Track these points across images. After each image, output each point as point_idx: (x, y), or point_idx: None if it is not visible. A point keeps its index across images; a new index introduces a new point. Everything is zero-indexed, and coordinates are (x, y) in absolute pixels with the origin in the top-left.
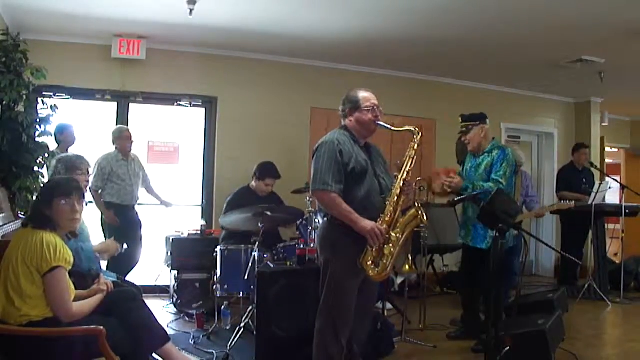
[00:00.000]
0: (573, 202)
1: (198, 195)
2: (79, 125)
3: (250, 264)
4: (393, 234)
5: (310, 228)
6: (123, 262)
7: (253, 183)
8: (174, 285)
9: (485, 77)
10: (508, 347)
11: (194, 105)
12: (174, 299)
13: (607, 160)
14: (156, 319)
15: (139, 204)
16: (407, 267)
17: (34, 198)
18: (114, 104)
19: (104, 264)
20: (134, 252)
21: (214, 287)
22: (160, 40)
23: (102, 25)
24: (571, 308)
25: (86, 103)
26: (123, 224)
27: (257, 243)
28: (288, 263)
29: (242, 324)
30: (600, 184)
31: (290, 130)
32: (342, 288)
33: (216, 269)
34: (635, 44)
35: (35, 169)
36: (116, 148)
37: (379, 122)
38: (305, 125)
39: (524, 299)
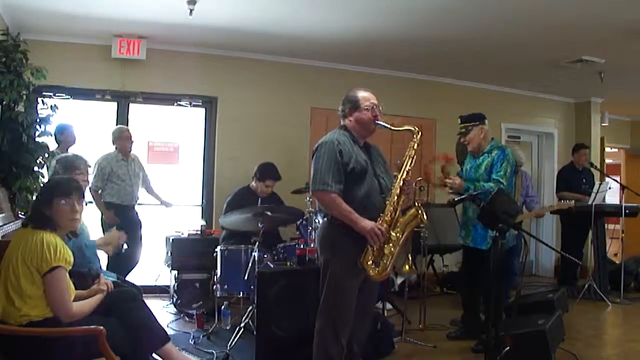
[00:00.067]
0: (573, 201)
1: (198, 195)
2: (79, 125)
3: (250, 264)
4: (393, 234)
5: (310, 228)
6: (123, 262)
7: (253, 183)
8: (174, 285)
9: (485, 77)
10: (508, 347)
11: (194, 105)
12: (174, 299)
13: (607, 161)
14: (156, 319)
15: (139, 204)
16: (407, 267)
17: (34, 198)
18: (114, 104)
19: (104, 264)
20: (134, 252)
21: (214, 287)
22: (160, 40)
23: (102, 25)
24: (571, 308)
25: (86, 103)
26: (123, 224)
27: (257, 243)
28: (288, 263)
29: (242, 324)
30: (600, 184)
31: (290, 130)
32: (342, 288)
33: (216, 269)
34: (635, 44)
35: (35, 169)
36: (116, 148)
37: (379, 122)
38: (305, 125)
39: (524, 299)
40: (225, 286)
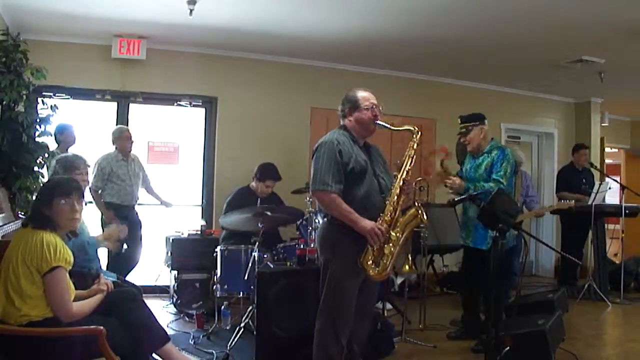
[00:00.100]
0: (573, 201)
1: (198, 195)
2: (79, 125)
3: (250, 264)
4: (393, 234)
5: (310, 228)
6: (123, 262)
7: (253, 183)
8: (174, 285)
9: (485, 77)
10: (508, 347)
11: (194, 105)
12: (174, 299)
13: (607, 161)
14: (156, 319)
15: (139, 204)
16: (407, 267)
17: (34, 198)
18: (114, 104)
19: (104, 264)
20: (134, 252)
21: (214, 287)
22: (160, 40)
23: (102, 25)
24: (571, 308)
25: (86, 103)
26: (123, 224)
27: (257, 243)
28: (288, 263)
29: (242, 324)
30: (600, 185)
31: (290, 130)
32: (342, 288)
33: (216, 269)
34: (635, 44)
35: (35, 169)
36: (116, 148)
37: (378, 122)
38: (305, 125)
39: (524, 299)
40: (225, 286)
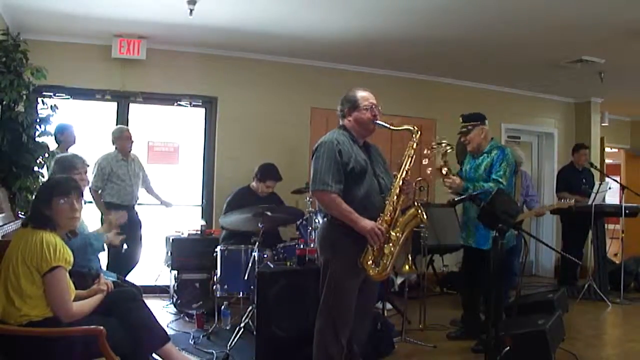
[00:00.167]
0: (573, 200)
1: (198, 195)
2: (79, 125)
3: (250, 264)
4: (393, 233)
5: (310, 228)
6: (123, 262)
7: (253, 183)
8: (174, 285)
9: (485, 77)
10: (508, 347)
11: (194, 105)
12: (174, 299)
13: (607, 161)
14: (156, 319)
15: (139, 204)
16: (407, 267)
17: (33, 198)
18: (114, 104)
19: (104, 264)
20: (134, 252)
21: (214, 287)
22: (160, 40)
23: (102, 25)
24: (571, 308)
25: (86, 103)
26: (123, 224)
27: (257, 243)
28: (288, 263)
29: (242, 324)
30: (600, 185)
31: (290, 130)
32: (342, 288)
33: (216, 269)
34: (635, 44)
35: (35, 169)
36: (116, 148)
37: (378, 121)
38: (305, 125)
39: (524, 299)
40: (225, 286)
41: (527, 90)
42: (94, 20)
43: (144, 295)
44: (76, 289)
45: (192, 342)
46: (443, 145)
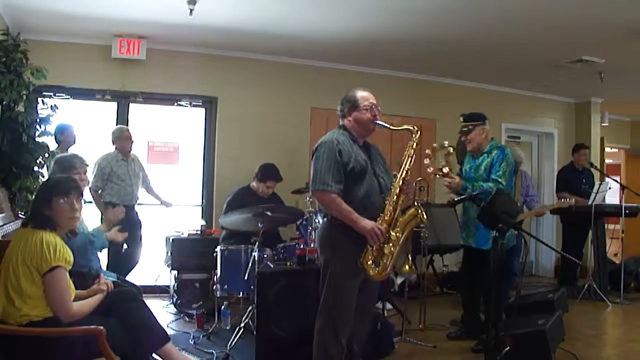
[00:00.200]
0: (573, 199)
1: (198, 195)
2: (79, 125)
3: (250, 264)
4: (393, 233)
5: (310, 228)
6: (123, 262)
7: (254, 183)
8: (174, 285)
9: (485, 77)
10: (508, 347)
11: (194, 105)
12: (174, 299)
13: (607, 161)
14: (156, 319)
15: (139, 204)
16: (407, 267)
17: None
18: (114, 104)
19: (104, 264)
20: (134, 252)
21: (214, 287)
22: (160, 40)
23: (102, 25)
24: (571, 308)
25: (86, 103)
26: (123, 224)
27: (257, 243)
28: (288, 263)
29: (242, 324)
30: (600, 185)
31: (290, 130)
32: (342, 288)
33: (216, 269)
34: (635, 44)
35: (35, 169)
36: (116, 148)
37: (378, 121)
38: (305, 125)
39: (524, 299)
40: (225, 286)
41: (527, 90)
42: (94, 20)
43: (144, 295)
44: (76, 289)
45: (192, 342)
46: (446, 145)
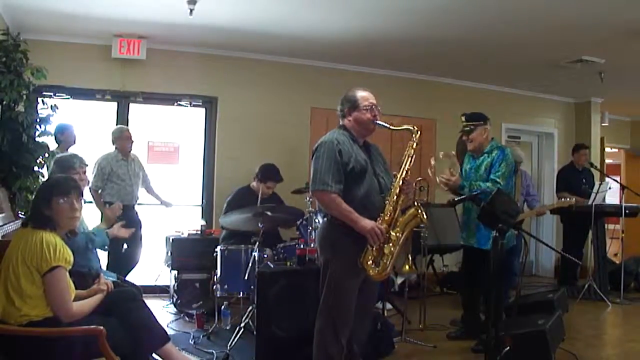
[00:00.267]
0: (573, 199)
1: (198, 195)
2: (79, 125)
3: (250, 264)
4: (393, 233)
5: (310, 228)
6: (123, 262)
7: (254, 183)
8: (174, 285)
9: (485, 77)
10: (508, 347)
11: (194, 105)
12: (174, 299)
13: (607, 161)
14: (156, 319)
15: (139, 204)
16: (407, 267)
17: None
18: (114, 104)
19: (104, 264)
20: (134, 252)
21: (214, 287)
22: (160, 40)
23: (102, 25)
24: (571, 308)
25: (86, 103)
26: (124, 222)
27: (257, 243)
28: (288, 263)
29: (242, 324)
30: (600, 185)
31: (290, 130)
32: (342, 288)
33: (216, 269)
34: (635, 44)
35: (35, 169)
36: (116, 148)
37: (378, 121)
38: (305, 125)
39: (524, 299)
40: (225, 286)
41: (527, 90)
42: (94, 20)
43: (144, 295)
44: (76, 289)
45: (192, 342)
46: (452, 155)
